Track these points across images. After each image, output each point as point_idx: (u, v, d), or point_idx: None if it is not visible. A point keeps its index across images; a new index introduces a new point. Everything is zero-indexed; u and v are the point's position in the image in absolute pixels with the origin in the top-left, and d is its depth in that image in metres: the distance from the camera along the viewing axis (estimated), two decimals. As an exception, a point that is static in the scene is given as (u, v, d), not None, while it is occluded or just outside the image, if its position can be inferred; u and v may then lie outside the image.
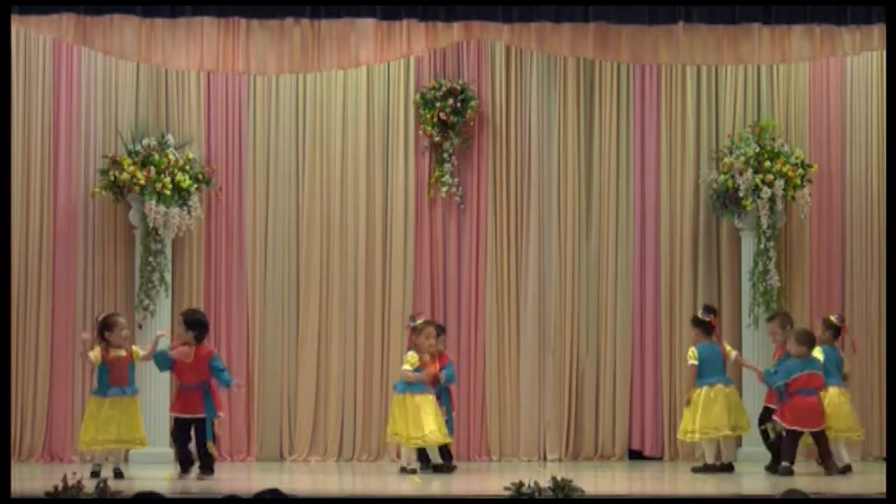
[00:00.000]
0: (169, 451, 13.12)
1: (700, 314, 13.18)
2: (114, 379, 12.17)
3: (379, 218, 14.29)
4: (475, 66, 14.42)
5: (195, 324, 12.43)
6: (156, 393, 13.09)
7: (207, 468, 12.22)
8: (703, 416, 12.82)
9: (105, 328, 12.24)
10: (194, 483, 11.86)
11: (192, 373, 12.29)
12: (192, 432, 12.31)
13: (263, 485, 11.61)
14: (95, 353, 12.17)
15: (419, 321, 13.02)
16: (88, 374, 13.63)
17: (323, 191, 14.27)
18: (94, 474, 11.83)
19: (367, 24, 12.87)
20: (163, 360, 12.42)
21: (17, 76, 13.76)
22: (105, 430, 12.09)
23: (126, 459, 12.58)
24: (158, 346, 12.41)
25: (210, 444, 12.24)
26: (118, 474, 11.96)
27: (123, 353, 12.23)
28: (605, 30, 13.00)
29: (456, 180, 14.33)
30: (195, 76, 14.02)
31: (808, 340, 12.75)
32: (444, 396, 13.07)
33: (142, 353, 12.40)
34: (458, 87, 14.25)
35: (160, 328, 13.58)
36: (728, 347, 13.19)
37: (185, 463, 12.30)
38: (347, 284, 14.22)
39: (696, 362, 12.95)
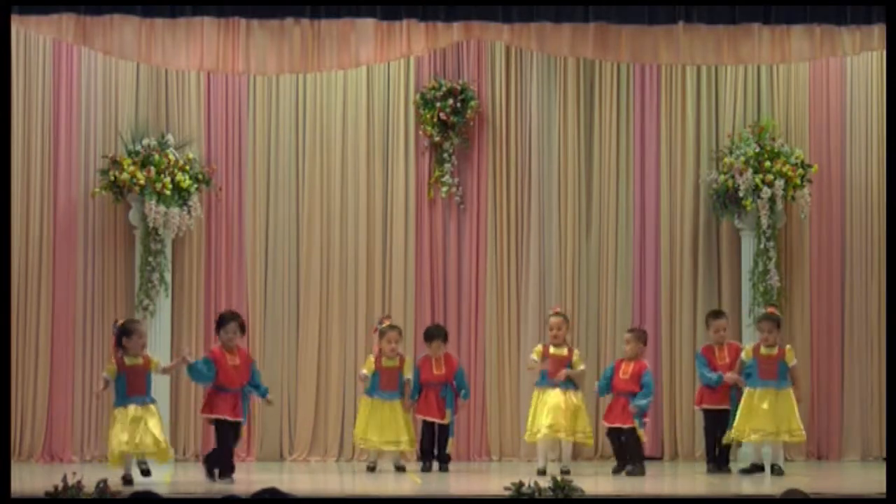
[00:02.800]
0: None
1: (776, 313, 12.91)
2: (131, 388, 11.84)
3: (379, 218, 14.29)
4: (475, 66, 14.43)
5: (244, 328, 12.36)
6: (158, 396, 12.96)
7: (231, 472, 12.10)
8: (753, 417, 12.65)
9: (124, 334, 11.93)
10: (194, 483, 11.82)
11: (239, 375, 12.10)
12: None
13: (263, 485, 11.63)
14: (110, 367, 11.92)
15: (385, 325, 13.12)
16: (88, 376, 13.67)
17: (323, 191, 14.28)
18: (127, 481, 11.55)
19: (367, 24, 12.87)
20: (205, 372, 12.12)
21: (17, 76, 13.76)
22: (135, 436, 11.73)
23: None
24: (191, 360, 12.15)
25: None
26: (146, 472, 11.78)
27: (140, 360, 11.94)
28: (605, 30, 12.99)
29: (456, 180, 14.33)
30: (195, 76, 14.03)
31: None
32: (449, 398, 13.10)
33: (161, 364, 12.21)
34: (458, 87, 14.26)
35: (160, 328, 13.62)
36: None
37: (228, 467, 12.06)
38: (347, 284, 14.23)
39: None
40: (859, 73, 14.48)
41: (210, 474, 12.08)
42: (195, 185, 13.82)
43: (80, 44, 13.06)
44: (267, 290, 14.21)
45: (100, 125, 14.02)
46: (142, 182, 13.57)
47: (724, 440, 12.80)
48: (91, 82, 14.01)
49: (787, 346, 12.86)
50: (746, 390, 12.70)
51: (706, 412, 13.02)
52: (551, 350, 12.91)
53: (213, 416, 12.13)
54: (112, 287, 13.93)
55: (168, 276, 13.76)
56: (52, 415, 13.74)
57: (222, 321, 12.30)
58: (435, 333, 13.30)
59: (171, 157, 13.75)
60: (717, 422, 12.86)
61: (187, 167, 13.81)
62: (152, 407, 11.90)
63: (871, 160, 14.45)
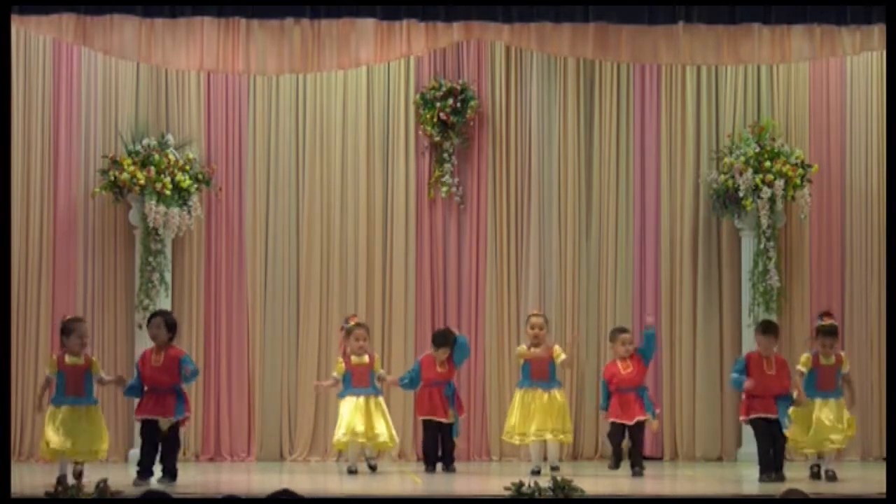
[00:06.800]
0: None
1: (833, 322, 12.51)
2: (68, 388, 11.49)
3: (379, 218, 14.30)
4: (475, 66, 14.43)
5: (174, 326, 12.11)
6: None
7: (171, 475, 11.78)
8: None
9: (63, 332, 11.65)
10: (192, 484, 11.76)
11: (163, 375, 11.86)
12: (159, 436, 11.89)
13: (263, 485, 11.66)
14: (51, 364, 11.59)
15: (351, 323, 13.01)
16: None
17: (323, 191, 14.28)
18: (60, 480, 10.76)
19: (367, 24, 12.86)
20: (135, 384, 12.01)
21: (17, 76, 13.77)
22: (62, 441, 11.32)
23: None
24: (126, 382, 12.00)
25: (163, 422, 11.77)
26: (79, 475, 11.20)
27: (81, 361, 11.60)
28: (605, 30, 12.98)
29: (456, 180, 14.34)
30: (195, 76, 14.03)
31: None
32: (451, 397, 13.05)
33: (102, 373, 11.85)
34: (458, 87, 14.26)
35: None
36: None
37: (146, 469, 11.78)
38: (347, 284, 14.23)
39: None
40: (859, 73, 14.48)
41: (163, 475, 11.83)
42: (195, 185, 13.82)
43: (80, 44, 13.05)
44: (267, 290, 14.21)
45: (100, 125, 14.02)
46: (142, 182, 13.58)
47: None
48: (91, 82, 14.02)
49: (842, 353, 12.49)
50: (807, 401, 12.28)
51: (755, 421, 12.38)
52: (532, 351, 12.90)
53: (139, 417, 11.94)
54: (112, 287, 13.94)
55: (168, 276, 13.77)
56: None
57: (150, 318, 12.21)
58: (444, 341, 13.10)
59: (171, 157, 13.76)
60: (770, 431, 12.31)
61: (187, 167, 13.82)
62: (89, 408, 11.52)
63: (871, 160, 14.46)
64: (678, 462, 14.18)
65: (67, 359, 11.59)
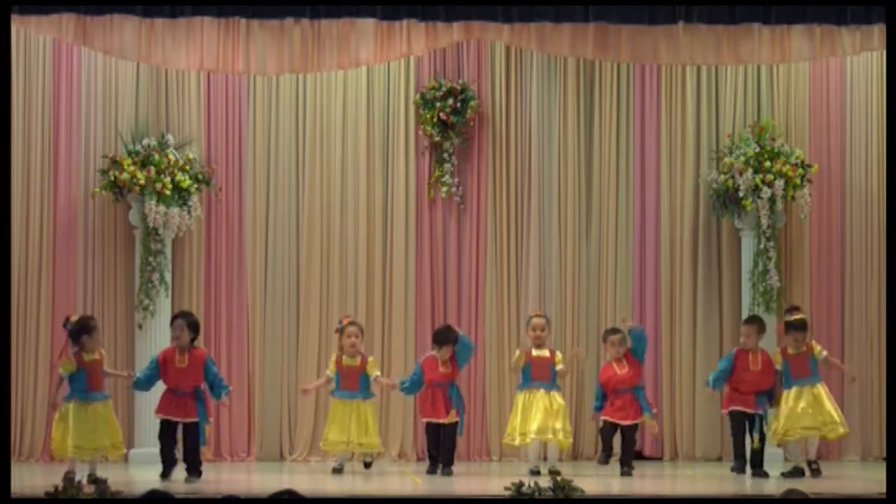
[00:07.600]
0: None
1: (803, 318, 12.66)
2: (92, 383, 11.68)
3: (379, 218, 14.30)
4: (475, 66, 14.44)
5: (197, 326, 12.22)
6: (153, 392, 12.93)
7: (196, 471, 11.93)
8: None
9: (84, 331, 11.73)
10: (184, 485, 11.74)
11: (187, 377, 11.97)
12: (181, 435, 12.03)
13: (263, 485, 11.67)
14: (67, 364, 11.68)
15: (344, 323, 13.00)
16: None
17: (323, 191, 14.28)
18: (70, 480, 10.66)
19: (367, 24, 12.86)
20: (143, 380, 12.14)
21: (17, 76, 13.77)
22: (93, 438, 11.58)
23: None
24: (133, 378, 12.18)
25: (203, 449, 12.03)
26: (96, 480, 11.03)
27: (96, 356, 11.78)
28: (605, 30, 12.99)
29: (456, 180, 14.34)
30: (195, 76, 14.04)
31: None
32: (455, 397, 13.01)
33: (107, 367, 12.00)
34: (458, 87, 14.26)
35: (160, 328, 13.57)
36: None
37: (169, 467, 11.94)
38: (347, 284, 14.23)
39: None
40: (859, 73, 14.49)
41: (189, 473, 11.92)
42: (195, 185, 13.83)
43: (80, 44, 13.05)
44: (267, 290, 14.21)
45: (100, 125, 14.02)
46: (142, 182, 13.58)
47: (755, 446, 12.54)
48: (91, 82, 14.02)
49: (813, 341, 12.65)
50: (784, 393, 12.45)
51: (732, 413, 12.61)
52: (533, 353, 12.86)
53: (160, 417, 12.00)
54: (112, 287, 13.94)
55: (168, 276, 13.77)
56: (53, 415, 13.70)
57: (172, 320, 12.27)
58: (446, 339, 12.93)
59: (171, 157, 13.76)
60: (743, 424, 12.54)
61: (187, 167, 13.82)
62: (110, 404, 11.82)
63: (871, 160, 14.47)
64: (678, 462, 14.18)
65: (85, 356, 11.72)
